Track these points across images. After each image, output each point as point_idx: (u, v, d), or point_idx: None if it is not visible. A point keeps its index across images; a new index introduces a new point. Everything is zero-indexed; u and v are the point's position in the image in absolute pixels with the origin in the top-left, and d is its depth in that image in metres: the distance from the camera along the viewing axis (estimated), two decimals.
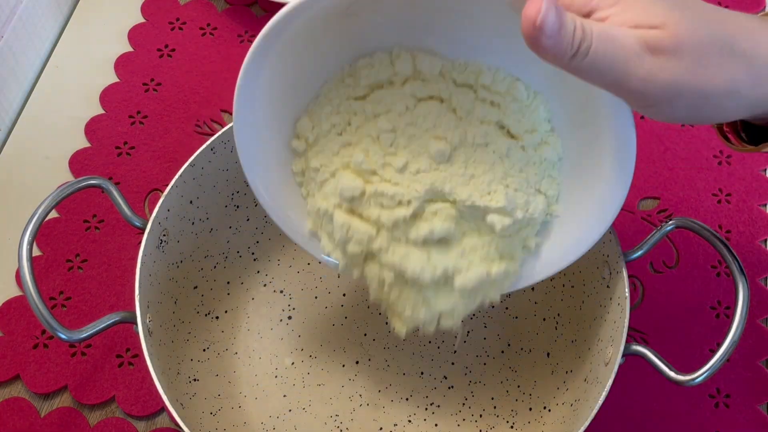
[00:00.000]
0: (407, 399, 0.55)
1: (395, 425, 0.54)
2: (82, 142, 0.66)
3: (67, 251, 0.61)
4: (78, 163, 0.65)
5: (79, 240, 0.61)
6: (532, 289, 0.58)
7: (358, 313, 0.58)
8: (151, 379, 0.44)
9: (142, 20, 0.73)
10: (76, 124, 0.67)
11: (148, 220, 0.49)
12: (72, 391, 0.55)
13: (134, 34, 0.72)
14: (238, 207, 0.57)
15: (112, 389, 0.56)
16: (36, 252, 0.60)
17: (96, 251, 0.61)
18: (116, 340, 0.57)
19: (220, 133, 0.52)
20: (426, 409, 0.55)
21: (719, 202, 0.65)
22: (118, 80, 0.70)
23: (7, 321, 0.58)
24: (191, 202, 0.52)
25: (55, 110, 0.68)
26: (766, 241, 0.64)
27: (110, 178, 0.64)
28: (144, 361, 0.45)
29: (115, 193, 0.48)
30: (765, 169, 0.67)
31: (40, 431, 0.54)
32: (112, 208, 0.62)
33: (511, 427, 0.54)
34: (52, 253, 0.61)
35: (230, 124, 0.52)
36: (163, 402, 0.43)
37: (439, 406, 0.55)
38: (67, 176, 0.65)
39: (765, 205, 0.65)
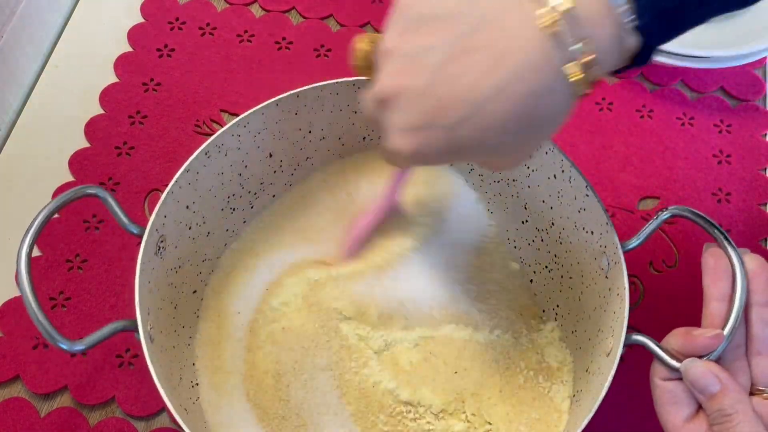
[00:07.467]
0: None
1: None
2: (82, 142, 0.66)
3: (67, 251, 0.61)
4: (78, 163, 0.65)
5: (79, 240, 0.61)
6: (531, 281, 0.58)
7: None
8: (151, 380, 0.44)
9: (142, 20, 0.73)
10: (75, 124, 0.67)
11: (145, 227, 0.48)
12: (72, 391, 0.56)
13: (134, 34, 0.72)
14: (234, 210, 0.57)
15: (112, 389, 0.56)
16: (36, 252, 0.61)
17: (96, 251, 0.61)
18: (116, 340, 0.57)
19: (214, 136, 0.52)
20: None
21: (719, 201, 0.65)
22: (117, 80, 0.70)
23: (7, 321, 0.58)
24: (187, 207, 0.52)
25: (55, 110, 0.68)
26: (766, 240, 0.63)
27: (110, 178, 0.64)
28: (144, 361, 0.44)
29: (112, 202, 0.48)
30: (765, 169, 0.66)
31: (40, 431, 0.54)
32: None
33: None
34: (51, 253, 0.61)
35: (225, 127, 0.52)
36: (167, 407, 0.43)
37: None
38: (66, 176, 0.65)
39: (765, 204, 0.65)
